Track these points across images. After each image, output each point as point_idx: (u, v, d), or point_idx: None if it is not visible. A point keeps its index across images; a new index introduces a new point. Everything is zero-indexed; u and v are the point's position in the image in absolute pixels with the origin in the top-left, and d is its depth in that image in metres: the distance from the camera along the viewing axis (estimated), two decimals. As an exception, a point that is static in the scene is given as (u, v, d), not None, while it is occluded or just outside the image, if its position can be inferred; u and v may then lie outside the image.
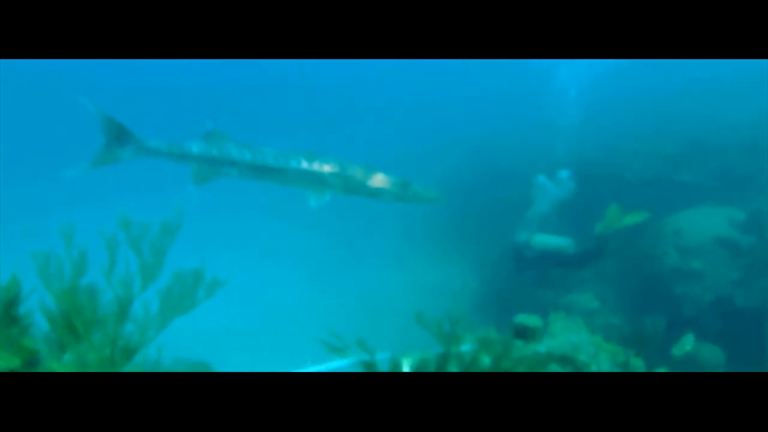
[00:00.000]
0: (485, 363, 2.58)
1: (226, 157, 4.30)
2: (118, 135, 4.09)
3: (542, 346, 3.34)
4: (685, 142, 10.69)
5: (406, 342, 2.80)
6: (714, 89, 12.65)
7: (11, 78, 23.53)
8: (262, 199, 13.68)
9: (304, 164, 4.36)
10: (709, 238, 8.02)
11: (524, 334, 3.49)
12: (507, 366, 2.59)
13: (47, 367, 2.35)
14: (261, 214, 14.04)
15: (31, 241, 2.96)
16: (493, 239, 10.33)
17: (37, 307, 2.45)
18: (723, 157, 10.16)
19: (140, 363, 2.53)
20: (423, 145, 16.77)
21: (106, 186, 14.47)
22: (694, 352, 6.03)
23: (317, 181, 4.39)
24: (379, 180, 4.43)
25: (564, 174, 8.73)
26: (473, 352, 2.58)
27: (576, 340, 3.38)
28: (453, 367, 2.56)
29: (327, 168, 4.38)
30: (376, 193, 4.46)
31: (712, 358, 6.94)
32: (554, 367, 3.20)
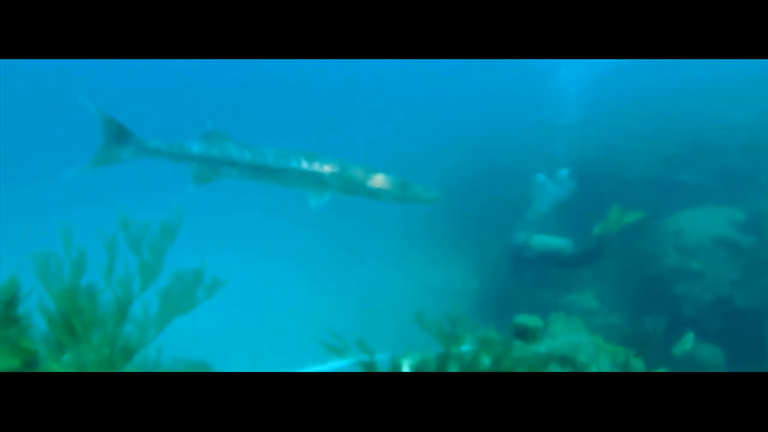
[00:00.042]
0: (485, 363, 2.58)
1: (226, 157, 4.30)
2: (118, 135, 4.09)
3: (542, 347, 3.34)
4: (685, 142, 10.69)
5: (406, 342, 2.80)
6: (714, 89, 12.66)
7: (11, 78, 23.54)
8: (262, 199, 13.68)
9: (304, 164, 4.36)
10: (709, 238, 8.02)
11: (524, 334, 3.49)
12: (507, 366, 2.59)
13: (46, 368, 2.35)
14: (261, 214, 14.04)
15: (31, 241, 2.96)
16: (493, 239, 10.32)
17: (36, 308, 2.44)
18: (723, 157, 10.16)
19: (139, 363, 2.53)
20: (423, 145, 16.77)
21: (106, 186, 14.48)
22: (694, 352, 6.03)
23: (317, 181, 4.39)
24: (379, 180, 4.43)
25: (563, 172, 8.73)
26: (473, 352, 2.58)
27: (576, 341, 3.38)
28: (453, 368, 2.56)
29: (327, 168, 4.38)
30: (376, 194, 4.46)
31: (712, 358, 6.94)
32: (554, 368, 3.20)
